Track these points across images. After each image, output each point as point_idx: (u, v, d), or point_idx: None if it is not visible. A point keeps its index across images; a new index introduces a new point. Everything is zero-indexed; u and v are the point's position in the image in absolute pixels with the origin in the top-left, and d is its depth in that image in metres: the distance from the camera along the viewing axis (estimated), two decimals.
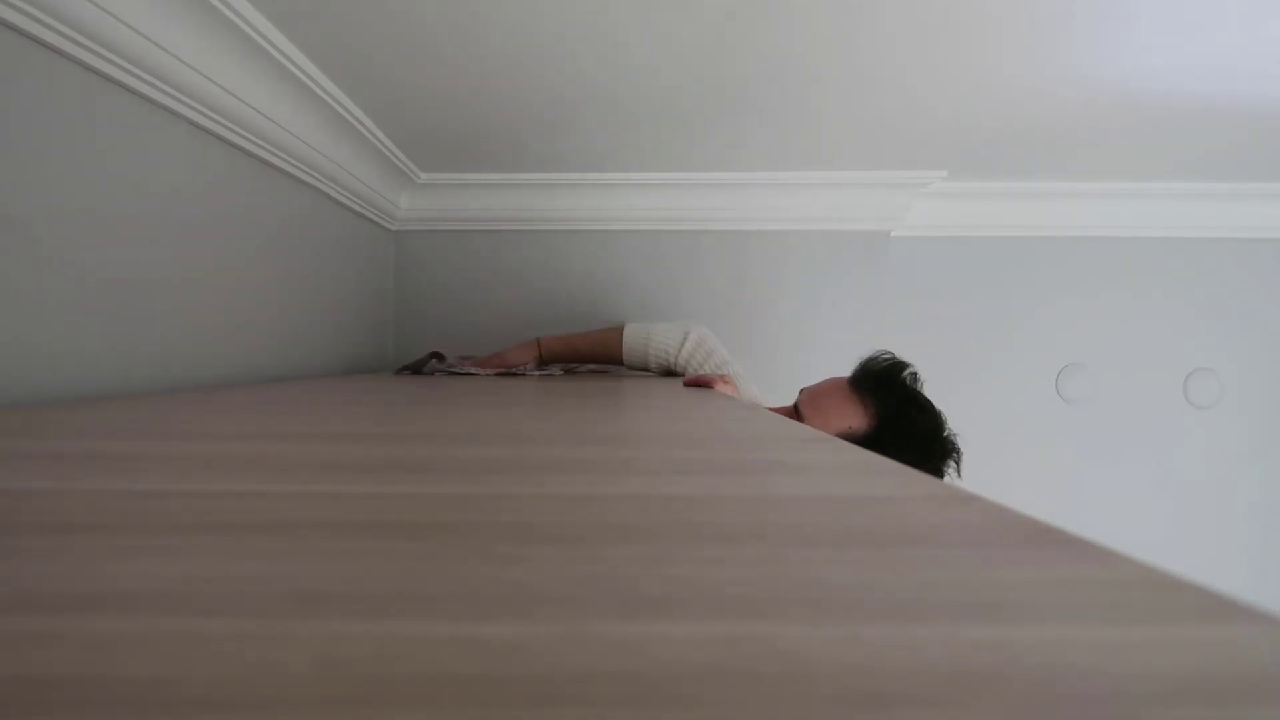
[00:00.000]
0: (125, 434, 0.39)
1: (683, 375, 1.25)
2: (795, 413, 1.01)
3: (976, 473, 1.01)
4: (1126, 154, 1.49)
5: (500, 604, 0.14)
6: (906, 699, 0.10)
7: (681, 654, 0.12)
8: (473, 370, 1.27)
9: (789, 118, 1.28)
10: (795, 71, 1.08)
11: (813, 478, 0.28)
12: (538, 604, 0.14)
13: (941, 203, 1.75)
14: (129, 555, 0.17)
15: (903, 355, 1.73)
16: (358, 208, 1.47)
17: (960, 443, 0.96)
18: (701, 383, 0.96)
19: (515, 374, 1.24)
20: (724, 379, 0.98)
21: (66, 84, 0.70)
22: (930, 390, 1.02)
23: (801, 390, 1.06)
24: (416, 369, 1.31)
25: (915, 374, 1.00)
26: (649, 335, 1.26)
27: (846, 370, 1.03)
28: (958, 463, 0.96)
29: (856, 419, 0.95)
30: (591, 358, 1.35)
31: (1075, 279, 1.81)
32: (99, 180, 0.74)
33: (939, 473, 0.95)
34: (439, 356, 1.37)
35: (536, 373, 1.29)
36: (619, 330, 1.29)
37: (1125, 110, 1.22)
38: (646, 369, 1.32)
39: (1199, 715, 0.10)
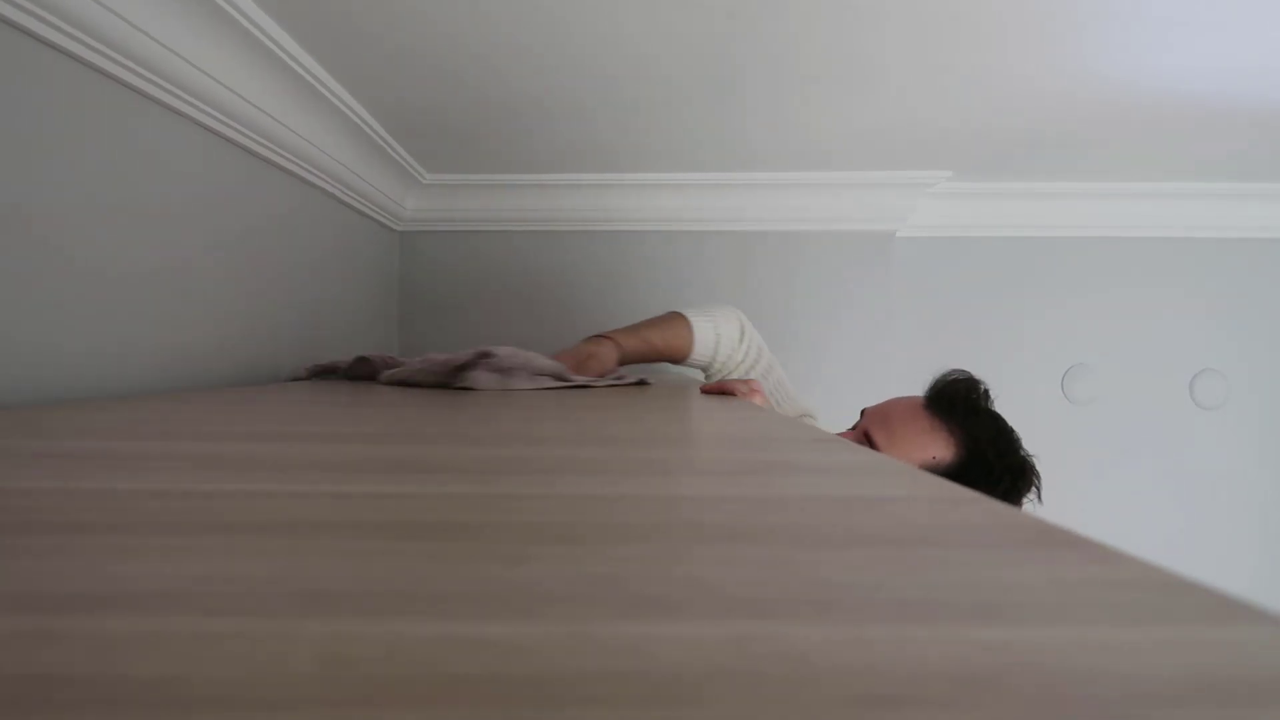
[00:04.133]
0: (130, 434, 0.39)
1: (720, 374, 1.10)
2: (864, 438, 0.91)
3: None
4: (1133, 154, 1.48)
5: (506, 604, 0.14)
6: (913, 700, 0.10)
7: (687, 655, 0.12)
8: (545, 384, 0.85)
9: (794, 118, 1.28)
10: (800, 72, 1.08)
11: (818, 478, 0.28)
12: (544, 604, 0.14)
13: (947, 203, 1.74)
14: (134, 555, 0.17)
15: (907, 356, 1.73)
16: (363, 208, 1.47)
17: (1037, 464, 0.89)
18: (725, 390, 0.85)
19: (612, 384, 0.93)
20: (751, 387, 0.85)
21: (78, 87, 0.71)
22: None
23: (864, 411, 0.96)
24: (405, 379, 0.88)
25: (988, 391, 0.93)
26: (718, 333, 1.08)
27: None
28: (1038, 488, 0.89)
29: (941, 448, 0.87)
30: (664, 356, 1.09)
31: (1081, 279, 1.80)
32: (106, 181, 0.75)
33: (1020, 499, 0.88)
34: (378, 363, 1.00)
35: (620, 382, 0.97)
36: (685, 323, 1.07)
37: (1132, 110, 1.22)
38: (704, 370, 1.13)
39: (1207, 717, 0.10)
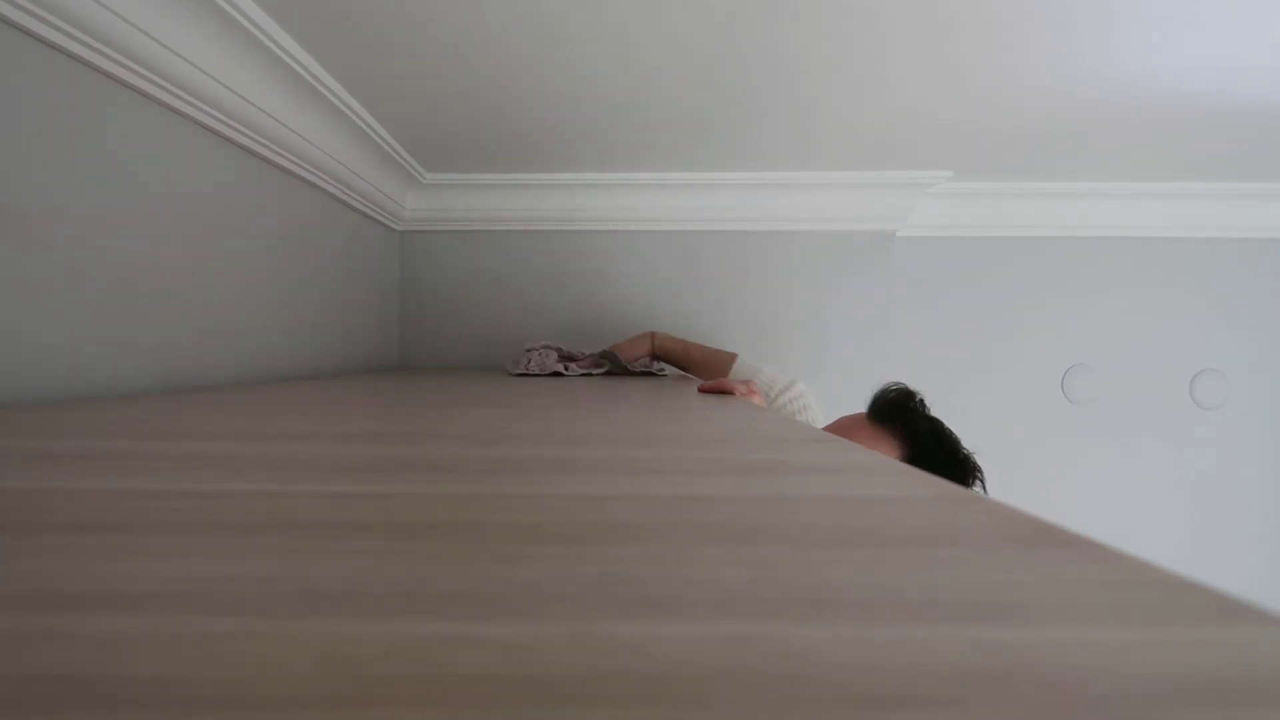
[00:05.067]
0: (132, 434, 0.39)
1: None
2: None
3: None
4: (1134, 154, 1.48)
5: (507, 604, 0.14)
6: (913, 700, 0.10)
7: (689, 654, 0.12)
8: (585, 370, 1.26)
9: (795, 118, 1.28)
10: (800, 72, 1.08)
11: (819, 478, 0.28)
12: (544, 604, 0.14)
13: (947, 203, 1.74)
14: (135, 555, 0.17)
15: (908, 355, 1.74)
16: (363, 208, 1.47)
17: (979, 460, 0.98)
18: (722, 389, 0.88)
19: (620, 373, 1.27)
20: (749, 387, 0.90)
21: (79, 87, 0.71)
22: (935, 391, 1.03)
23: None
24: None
25: (923, 400, 1.03)
26: (757, 372, 1.24)
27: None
28: (983, 482, 0.97)
29: (886, 448, 0.97)
30: (699, 368, 1.33)
31: (1081, 279, 1.80)
32: (107, 181, 0.75)
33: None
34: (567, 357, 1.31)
35: (641, 370, 1.32)
36: (731, 357, 1.28)
37: (1133, 110, 1.22)
38: None
39: (1206, 717, 0.10)
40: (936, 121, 1.29)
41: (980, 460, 0.98)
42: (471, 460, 0.31)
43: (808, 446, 0.37)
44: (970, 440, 1.00)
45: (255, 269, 1.05)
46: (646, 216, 1.70)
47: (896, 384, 1.06)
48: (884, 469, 0.30)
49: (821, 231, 1.69)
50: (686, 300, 1.71)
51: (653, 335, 1.36)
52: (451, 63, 1.05)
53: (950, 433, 0.99)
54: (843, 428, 1.03)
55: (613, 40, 0.98)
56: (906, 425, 0.98)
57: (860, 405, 1.19)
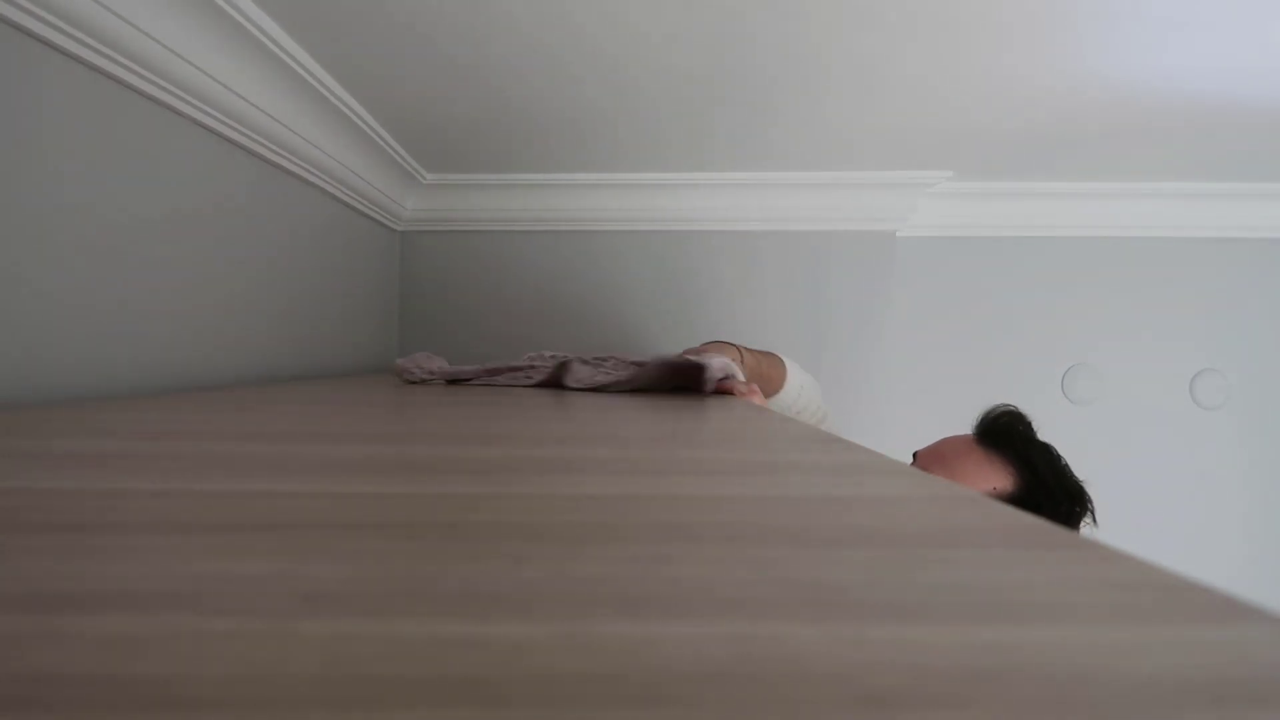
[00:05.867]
0: (131, 433, 0.39)
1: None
2: None
3: None
4: (1134, 154, 1.48)
5: (505, 604, 0.14)
6: (913, 700, 0.10)
7: (685, 655, 0.12)
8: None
9: (795, 118, 1.28)
10: (800, 72, 1.08)
11: (817, 478, 0.28)
12: (545, 604, 0.14)
13: (948, 203, 1.74)
14: (135, 555, 0.17)
15: (908, 355, 1.73)
16: (363, 208, 1.47)
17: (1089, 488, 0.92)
18: (725, 390, 0.85)
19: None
20: (751, 388, 0.85)
21: (79, 87, 0.71)
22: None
23: (916, 454, 0.98)
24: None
25: (1031, 422, 0.97)
26: (801, 384, 1.06)
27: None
28: (1093, 511, 0.91)
29: (1001, 479, 0.90)
30: (765, 384, 1.04)
31: (1082, 279, 1.80)
32: (107, 181, 0.75)
33: (1080, 523, 0.91)
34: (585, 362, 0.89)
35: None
36: (782, 365, 1.06)
37: (1132, 110, 1.22)
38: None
39: (1206, 717, 0.10)
40: (936, 121, 1.29)
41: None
42: (471, 460, 0.31)
43: (808, 446, 0.37)
44: None
45: (255, 269, 1.05)
46: (647, 216, 1.70)
47: (1005, 405, 0.98)
48: (884, 469, 0.30)
49: (821, 231, 1.69)
50: (687, 300, 1.71)
51: (740, 352, 0.99)
52: (452, 63, 1.05)
53: (1064, 463, 0.92)
54: (948, 451, 0.95)
55: (613, 40, 0.98)
56: (1022, 456, 0.91)
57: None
